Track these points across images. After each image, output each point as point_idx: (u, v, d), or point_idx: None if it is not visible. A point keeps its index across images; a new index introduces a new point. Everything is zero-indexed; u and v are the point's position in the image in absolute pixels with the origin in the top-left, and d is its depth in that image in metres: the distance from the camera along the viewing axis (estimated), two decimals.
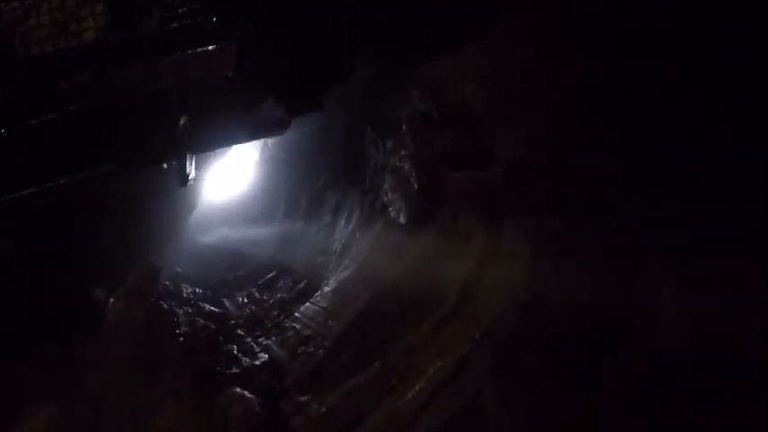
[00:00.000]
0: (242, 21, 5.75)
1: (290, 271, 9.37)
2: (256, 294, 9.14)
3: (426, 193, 6.70)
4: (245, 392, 5.69)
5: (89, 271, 7.48)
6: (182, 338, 6.62)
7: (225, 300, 9.08)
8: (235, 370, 6.20)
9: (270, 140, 12.41)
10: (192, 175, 6.32)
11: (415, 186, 6.75)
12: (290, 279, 9.17)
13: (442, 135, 6.60)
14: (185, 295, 8.77)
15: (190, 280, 9.85)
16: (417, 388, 5.06)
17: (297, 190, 10.98)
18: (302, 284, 8.68)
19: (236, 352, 6.64)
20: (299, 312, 7.44)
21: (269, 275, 9.66)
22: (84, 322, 7.02)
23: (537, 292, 5.09)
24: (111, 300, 7.24)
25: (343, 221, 8.85)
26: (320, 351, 6.29)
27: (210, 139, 6.17)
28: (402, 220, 6.88)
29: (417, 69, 6.96)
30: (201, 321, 7.07)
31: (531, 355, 4.81)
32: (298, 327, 7.10)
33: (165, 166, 6.25)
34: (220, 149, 8.29)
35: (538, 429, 4.52)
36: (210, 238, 12.68)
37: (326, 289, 7.47)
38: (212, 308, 8.15)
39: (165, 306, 7.21)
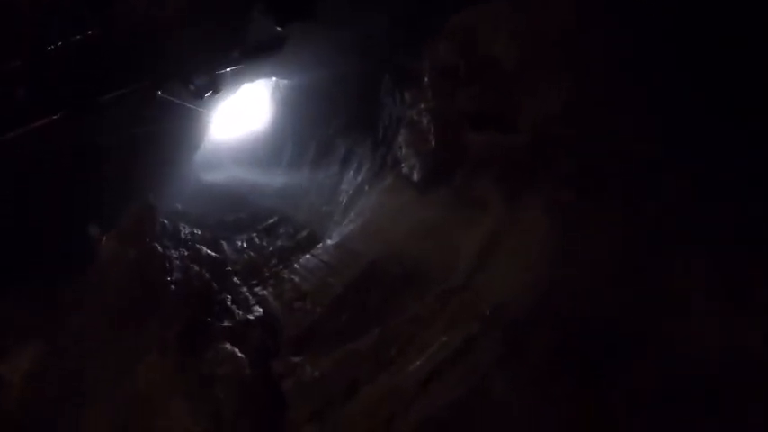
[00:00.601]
0: None
1: (293, 218, 8.93)
2: (256, 240, 8.72)
3: (443, 151, 6.18)
4: (236, 350, 5.29)
5: (86, 207, 7.07)
6: (173, 286, 6.19)
7: (223, 243, 8.65)
8: (226, 323, 5.79)
9: (282, 82, 11.86)
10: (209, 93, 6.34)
11: (432, 143, 6.23)
12: (292, 226, 8.73)
13: (467, 92, 6.05)
14: (183, 236, 8.33)
15: (189, 219, 9.41)
16: (418, 363, 4.63)
17: (306, 135, 10.45)
18: (304, 233, 8.24)
19: (229, 303, 6.22)
20: (298, 264, 7.01)
21: (270, 221, 9.23)
22: (75, 259, 6.62)
23: (554, 273, 4.63)
24: (105, 238, 6.82)
25: (351, 172, 8.36)
26: (318, 309, 5.88)
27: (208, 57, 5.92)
28: (415, 177, 6.37)
29: (445, 18, 6.39)
30: (196, 268, 6.63)
31: (542, 340, 4.35)
32: (296, 279, 6.68)
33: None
34: (220, 70, 7.81)
35: (546, 419, 4.12)
36: (214, 176, 12.23)
37: (329, 242, 7.02)
38: (209, 251, 7.71)
39: (159, 249, 6.77)
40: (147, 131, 7.98)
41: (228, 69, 7.51)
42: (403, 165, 6.62)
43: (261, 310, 6.06)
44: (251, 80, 10.16)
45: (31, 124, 5.63)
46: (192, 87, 6.94)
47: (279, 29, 7.07)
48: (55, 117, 5.79)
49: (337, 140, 9.30)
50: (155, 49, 6.18)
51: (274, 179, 10.58)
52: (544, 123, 5.60)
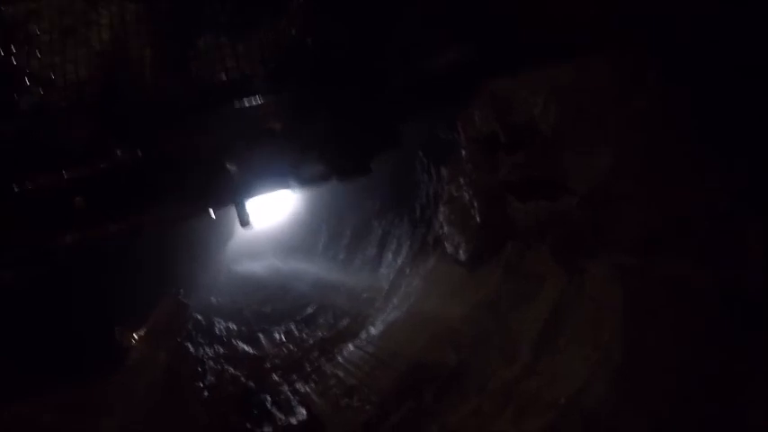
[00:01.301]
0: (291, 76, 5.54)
1: (332, 306, 8.39)
2: (295, 331, 8.17)
3: (490, 225, 5.66)
4: None
5: (115, 305, 6.66)
6: (206, 392, 5.64)
7: (260, 335, 8.11)
8: (266, 429, 5.20)
9: None
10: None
11: (477, 218, 5.72)
12: (331, 315, 8.18)
13: (508, 160, 5.58)
14: (217, 331, 7.83)
15: (224, 313, 8.93)
16: None
17: (340, 220, 10.03)
18: (345, 322, 7.68)
19: (269, 405, 5.64)
20: (341, 357, 6.42)
21: (308, 310, 8.68)
22: (104, 361, 6.14)
23: (635, 354, 4.02)
24: (135, 337, 6.34)
25: (390, 255, 7.86)
26: (367, 407, 5.27)
27: (259, 186, 5.81)
28: (461, 256, 5.84)
29: (477, 86, 5.99)
30: (231, 370, 6.09)
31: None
32: (341, 374, 6.08)
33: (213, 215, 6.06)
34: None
35: None
36: (248, 267, 11.82)
37: (373, 331, 6.45)
38: (246, 347, 7.19)
39: (191, 349, 6.26)
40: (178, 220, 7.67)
41: None
42: (446, 244, 6.10)
43: (304, 411, 5.45)
44: None
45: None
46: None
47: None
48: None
49: (373, 223, 8.84)
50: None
51: (310, 267, 10.11)
52: (597, 184, 5.10)
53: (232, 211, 9.50)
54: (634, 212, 4.71)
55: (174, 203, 5.63)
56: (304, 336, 7.86)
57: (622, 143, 5.08)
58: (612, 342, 4.11)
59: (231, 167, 5.62)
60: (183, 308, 6.73)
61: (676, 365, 3.80)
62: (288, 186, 6.17)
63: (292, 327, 8.33)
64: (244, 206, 5.98)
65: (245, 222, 6.07)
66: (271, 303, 9.63)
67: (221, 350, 6.86)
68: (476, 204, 5.72)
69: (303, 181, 6.05)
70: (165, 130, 5.35)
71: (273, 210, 12.45)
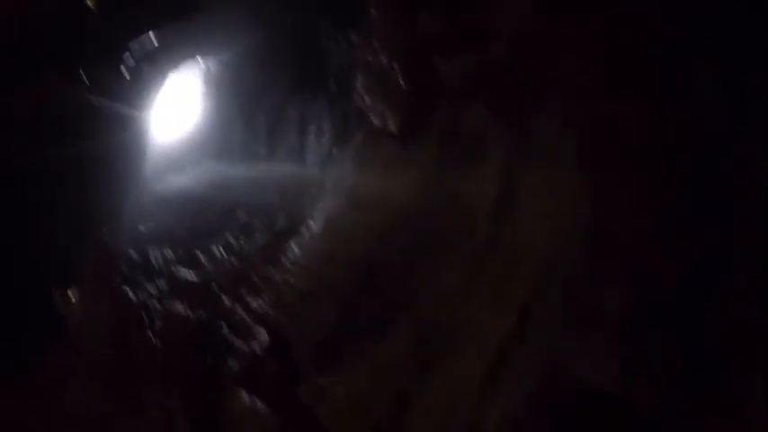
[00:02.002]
0: None
1: (263, 207, 7.76)
2: (233, 242, 7.56)
3: (415, 89, 5.02)
4: (255, 399, 4.23)
5: (38, 262, 5.91)
6: (159, 340, 5.08)
7: (199, 254, 7.49)
8: (231, 363, 4.71)
9: (211, 64, 10.48)
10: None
11: (401, 83, 5.06)
12: (265, 216, 7.57)
13: (425, 14, 4.87)
14: (154, 262, 7.16)
15: (156, 239, 8.20)
16: (475, 352, 3.62)
17: (252, 112, 9.15)
18: (282, 222, 7.10)
19: (226, 332, 5.13)
20: (287, 260, 5.88)
21: (241, 216, 8.05)
22: (43, 328, 5.49)
23: (602, 214, 3.59)
24: (69, 295, 5.65)
25: (312, 138, 7.19)
26: (326, 311, 4.81)
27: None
28: (390, 127, 5.21)
29: None
30: (178, 309, 5.51)
31: (616, 297, 3.36)
32: (291, 279, 5.57)
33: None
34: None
35: None
36: (170, 184, 10.94)
37: (313, 226, 5.89)
38: (187, 273, 6.58)
39: (130, 294, 5.62)
40: (84, 153, 6.84)
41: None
42: (371, 116, 5.44)
43: (263, 330, 4.96)
44: (174, 66, 8.84)
45: None
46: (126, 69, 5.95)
47: None
48: None
49: (287, 108, 8.07)
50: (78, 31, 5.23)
51: (232, 169, 9.34)
52: (524, 26, 4.49)
53: (138, 128, 8.61)
54: (574, 50, 4.15)
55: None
56: (243, 244, 7.28)
57: None
58: (577, 199, 3.67)
59: None
60: (112, 250, 6.01)
61: (649, 224, 3.40)
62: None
63: (230, 238, 7.72)
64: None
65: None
66: (201, 217, 8.92)
67: (163, 284, 6.24)
68: (395, 67, 5.03)
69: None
70: None
71: (180, 117, 11.41)
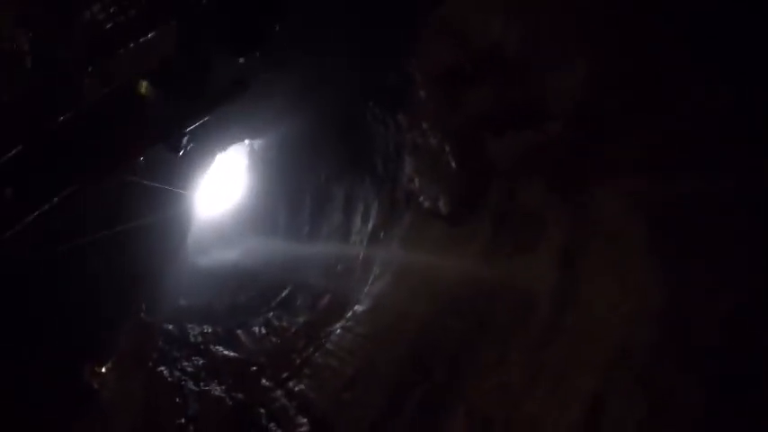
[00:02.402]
0: None
1: (307, 285, 7.59)
2: (274, 320, 7.36)
3: (467, 169, 4.88)
4: None
5: (74, 334, 5.76)
6: (192, 425, 4.83)
7: (239, 333, 7.29)
8: None
9: (256, 143, 10.57)
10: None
11: (452, 164, 4.92)
12: (309, 295, 7.39)
13: (476, 93, 4.77)
14: (192, 338, 6.97)
15: (196, 314, 8.07)
16: None
17: (296, 191, 9.11)
18: (325, 300, 6.90)
19: (265, 421, 4.84)
20: (331, 343, 5.64)
21: (283, 293, 7.88)
22: (73, 403, 5.28)
23: (677, 296, 3.32)
24: (103, 371, 5.46)
25: (358, 219, 7.04)
26: (374, 398, 4.53)
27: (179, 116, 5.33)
28: (442, 209, 5.05)
29: (425, 16, 5.12)
30: (215, 391, 5.27)
31: (683, 379, 3.06)
32: (335, 364, 5.32)
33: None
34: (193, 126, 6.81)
35: None
36: (213, 259, 10.89)
37: (359, 309, 5.67)
38: (226, 351, 6.37)
39: (166, 373, 5.41)
40: (129, 229, 6.77)
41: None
42: (422, 198, 5.30)
43: (305, 420, 4.67)
44: (222, 147, 8.88)
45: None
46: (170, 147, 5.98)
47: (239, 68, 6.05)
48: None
49: (333, 188, 7.99)
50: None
51: (275, 247, 9.24)
52: (579, 103, 4.34)
53: (184, 205, 8.61)
54: (632, 126, 3.98)
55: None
56: (285, 324, 7.07)
57: (595, 49, 4.34)
58: (647, 284, 3.40)
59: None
60: (149, 328, 5.85)
61: (728, 306, 3.12)
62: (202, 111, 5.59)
63: (270, 316, 7.53)
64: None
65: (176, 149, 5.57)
66: (242, 293, 8.81)
67: (200, 361, 6.03)
68: (447, 148, 4.91)
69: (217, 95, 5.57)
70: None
71: (225, 195, 11.50)
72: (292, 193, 9.21)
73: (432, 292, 4.78)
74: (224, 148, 9.20)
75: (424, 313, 4.73)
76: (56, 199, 4.99)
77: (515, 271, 4.35)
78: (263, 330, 7.18)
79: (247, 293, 8.71)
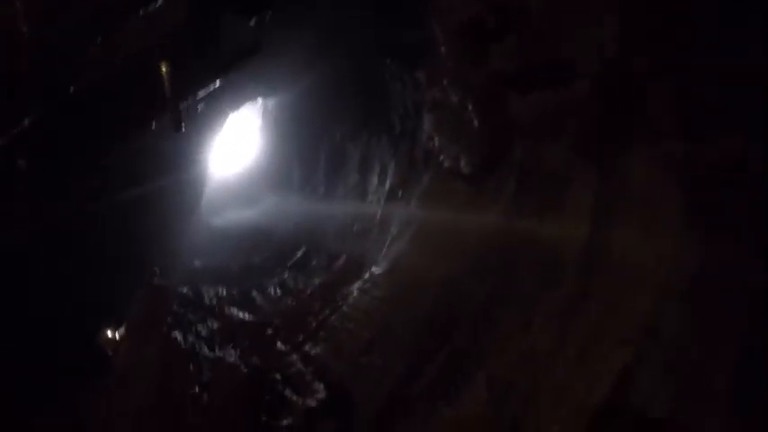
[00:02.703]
0: None
1: (322, 246, 7.44)
2: (289, 281, 7.25)
3: (490, 128, 4.66)
4: None
5: (89, 301, 5.67)
6: (206, 392, 4.73)
7: (254, 294, 7.19)
8: (285, 422, 4.33)
9: (269, 103, 10.34)
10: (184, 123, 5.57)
11: (474, 122, 4.70)
12: (324, 256, 7.24)
13: (499, 49, 4.52)
14: (207, 300, 6.88)
15: (211, 276, 7.97)
16: (567, 421, 3.16)
17: (311, 149, 8.90)
18: (341, 261, 6.75)
19: (281, 386, 4.74)
20: (347, 305, 5.51)
21: (298, 254, 7.75)
22: (89, 370, 5.21)
23: (711, 263, 3.13)
24: (117, 336, 5.38)
25: (375, 179, 6.84)
26: (393, 363, 4.40)
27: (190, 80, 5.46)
28: (464, 168, 4.83)
29: None
30: (230, 357, 5.16)
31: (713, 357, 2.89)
32: (352, 326, 5.19)
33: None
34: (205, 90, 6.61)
35: None
36: (226, 219, 10.76)
37: (376, 270, 5.52)
38: (241, 313, 6.27)
39: (180, 339, 5.31)
40: (143, 193, 6.67)
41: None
42: (442, 157, 5.09)
43: (322, 386, 4.56)
44: (235, 106, 8.67)
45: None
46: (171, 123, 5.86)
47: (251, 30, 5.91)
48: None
49: (349, 147, 7.78)
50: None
51: (289, 206, 9.07)
52: (610, 59, 4.09)
53: (198, 168, 8.47)
54: (666, 86, 3.74)
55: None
56: (300, 285, 6.95)
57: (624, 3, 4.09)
58: (679, 253, 3.21)
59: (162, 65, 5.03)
60: (163, 293, 5.75)
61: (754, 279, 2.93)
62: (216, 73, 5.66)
63: (285, 277, 7.42)
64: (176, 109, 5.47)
65: (177, 127, 5.55)
66: (257, 253, 8.67)
67: (215, 325, 5.93)
68: (469, 106, 4.68)
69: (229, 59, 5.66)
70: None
71: (239, 156, 11.31)
72: (307, 152, 9.01)
73: (451, 253, 4.60)
74: (236, 108, 9.00)
75: (443, 276, 4.57)
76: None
77: (540, 232, 4.17)
78: (279, 292, 7.06)
79: (262, 254, 8.58)
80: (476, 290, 4.28)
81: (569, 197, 4.03)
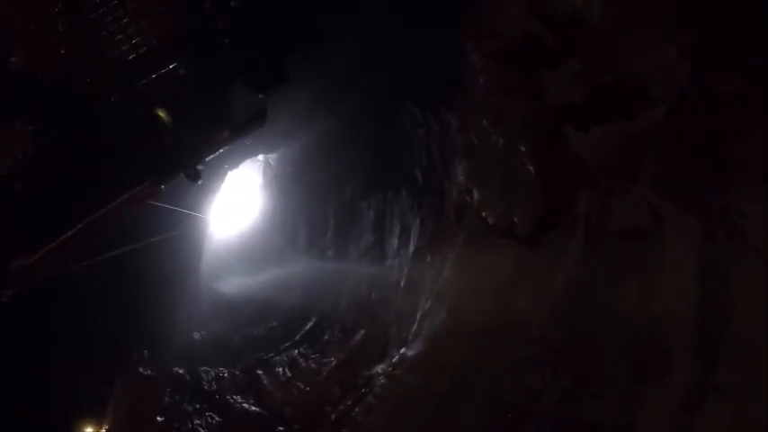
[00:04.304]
0: None
1: (335, 315, 6.38)
2: (300, 360, 6.15)
3: (547, 174, 3.66)
4: None
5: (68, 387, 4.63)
6: None
7: (261, 374, 6.09)
8: None
9: (272, 158, 9.40)
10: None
11: (527, 167, 3.70)
12: (338, 327, 6.17)
13: (556, 75, 3.57)
14: (206, 385, 5.79)
15: (210, 352, 6.89)
16: None
17: (317, 208, 7.87)
18: (358, 336, 5.69)
19: None
20: (373, 394, 4.41)
21: (308, 324, 6.68)
22: None
23: None
24: None
25: (394, 240, 5.81)
26: None
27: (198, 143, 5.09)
28: (518, 226, 3.80)
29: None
30: None
31: None
32: (381, 423, 4.10)
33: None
34: (212, 154, 5.93)
35: None
36: (227, 282, 9.66)
37: (408, 351, 4.43)
38: (246, 404, 5.18)
39: None
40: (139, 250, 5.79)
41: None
42: (485, 214, 4.05)
43: None
44: (234, 163, 7.74)
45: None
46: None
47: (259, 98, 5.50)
48: None
49: (360, 205, 6.78)
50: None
51: (295, 271, 7.99)
52: (685, 86, 3.16)
53: (197, 226, 7.51)
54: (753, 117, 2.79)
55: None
56: (313, 364, 5.85)
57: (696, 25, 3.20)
58: None
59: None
60: (148, 384, 4.67)
61: None
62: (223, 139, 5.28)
63: (295, 352, 6.32)
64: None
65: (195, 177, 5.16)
66: (261, 323, 7.58)
67: (215, 419, 4.81)
68: (519, 148, 3.68)
69: (237, 126, 5.37)
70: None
71: (240, 215, 10.32)
72: (313, 211, 7.97)
73: (506, 334, 3.55)
74: (236, 166, 8.10)
75: (497, 364, 3.51)
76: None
77: (624, 302, 3.14)
78: (288, 372, 5.97)
79: (267, 324, 7.51)
80: (541, 384, 3.22)
81: (661, 253, 3.01)
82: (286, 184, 8.93)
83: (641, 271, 3.11)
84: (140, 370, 4.89)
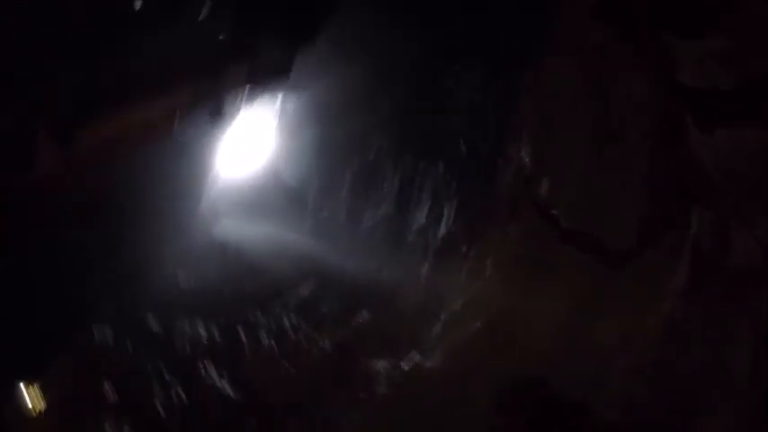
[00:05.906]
0: None
1: (337, 288, 5.50)
2: (290, 330, 5.30)
3: (659, 177, 2.70)
4: None
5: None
6: None
7: (244, 339, 5.27)
8: None
9: (288, 102, 8.45)
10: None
11: (635, 162, 2.73)
12: (337, 303, 5.29)
13: (692, 47, 2.59)
14: (179, 348, 4.95)
15: (191, 299, 6.10)
16: None
17: (334, 164, 6.93)
18: (361, 318, 4.81)
19: None
20: (373, 404, 3.53)
21: (303, 291, 5.81)
22: None
23: None
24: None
25: (421, 217, 4.88)
26: None
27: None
28: (606, 239, 2.83)
29: None
30: None
31: None
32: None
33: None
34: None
35: None
36: (226, 229, 8.85)
37: (422, 359, 3.52)
38: (220, 381, 4.33)
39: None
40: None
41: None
42: (556, 212, 3.08)
43: None
44: (249, 102, 6.82)
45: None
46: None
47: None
48: None
49: (383, 169, 5.83)
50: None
51: (300, 230, 7.11)
52: None
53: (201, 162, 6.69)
54: None
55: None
56: (304, 342, 4.99)
57: None
58: None
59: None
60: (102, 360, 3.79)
61: None
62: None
63: (285, 323, 5.47)
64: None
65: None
66: (252, 280, 6.72)
67: (181, 398, 3.96)
68: (630, 134, 2.71)
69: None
70: None
71: (252, 157, 9.45)
72: (329, 168, 7.04)
73: (565, 379, 2.63)
74: (250, 105, 7.23)
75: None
76: None
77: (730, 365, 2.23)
78: (275, 345, 5.12)
79: (259, 281, 6.66)
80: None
81: None
82: (303, 132, 8.00)
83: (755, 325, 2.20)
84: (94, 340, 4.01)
